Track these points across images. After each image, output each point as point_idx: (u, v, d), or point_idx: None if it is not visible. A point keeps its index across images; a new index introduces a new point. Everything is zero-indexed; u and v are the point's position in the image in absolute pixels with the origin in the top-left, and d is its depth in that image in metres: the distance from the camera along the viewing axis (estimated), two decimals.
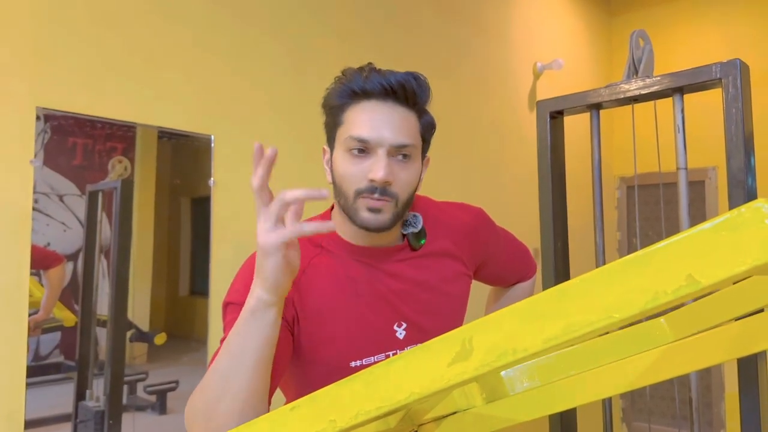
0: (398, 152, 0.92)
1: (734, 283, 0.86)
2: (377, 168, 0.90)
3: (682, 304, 0.99)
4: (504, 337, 0.51)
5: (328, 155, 1.01)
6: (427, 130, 0.99)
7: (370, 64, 0.98)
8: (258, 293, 0.79)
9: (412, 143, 0.94)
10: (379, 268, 1.01)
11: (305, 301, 0.96)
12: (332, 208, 1.06)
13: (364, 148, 0.92)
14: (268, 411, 0.84)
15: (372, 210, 0.92)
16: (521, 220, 2.90)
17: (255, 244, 1.11)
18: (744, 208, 0.44)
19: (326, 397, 0.62)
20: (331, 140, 0.99)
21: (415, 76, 0.95)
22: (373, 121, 0.91)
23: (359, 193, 0.92)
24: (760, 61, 3.75)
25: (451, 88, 3.06)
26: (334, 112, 0.97)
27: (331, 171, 0.99)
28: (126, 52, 1.87)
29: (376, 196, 0.91)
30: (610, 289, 0.47)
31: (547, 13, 3.81)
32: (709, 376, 3.91)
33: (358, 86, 0.93)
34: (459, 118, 3.10)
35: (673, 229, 3.90)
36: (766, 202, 0.44)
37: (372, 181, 0.91)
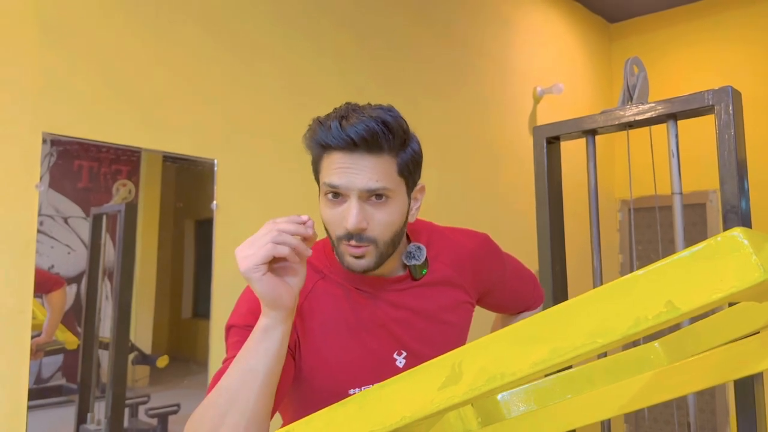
0: (371, 195, 0.91)
1: (730, 305, 0.87)
2: (348, 216, 0.90)
3: (678, 327, 1.00)
4: (492, 362, 0.53)
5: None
6: (409, 166, 0.95)
7: (334, 114, 0.93)
8: (265, 311, 0.83)
9: (385, 186, 0.91)
10: (380, 297, 1.01)
11: (307, 327, 0.97)
12: None
13: (338, 193, 0.92)
14: None
15: (354, 257, 0.93)
16: (522, 243, 2.91)
17: None
18: (720, 237, 0.45)
19: (321, 420, 0.63)
20: (317, 181, 1.00)
21: (383, 120, 0.89)
22: (342, 170, 0.90)
23: (340, 240, 0.94)
24: (759, 85, 3.78)
25: (451, 112, 3.09)
26: (314, 159, 0.97)
27: None
28: (131, 78, 1.91)
29: (353, 243, 0.92)
30: (593, 314, 0.49)
31: (547, 38, 3.87)
32: (713, 400, 3.87)
33: (323, 140, 0.92)
34: (459, 142, 3.12)
35: (672, 252, 3.89)
36: (742, 231, 0.46)
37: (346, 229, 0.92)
